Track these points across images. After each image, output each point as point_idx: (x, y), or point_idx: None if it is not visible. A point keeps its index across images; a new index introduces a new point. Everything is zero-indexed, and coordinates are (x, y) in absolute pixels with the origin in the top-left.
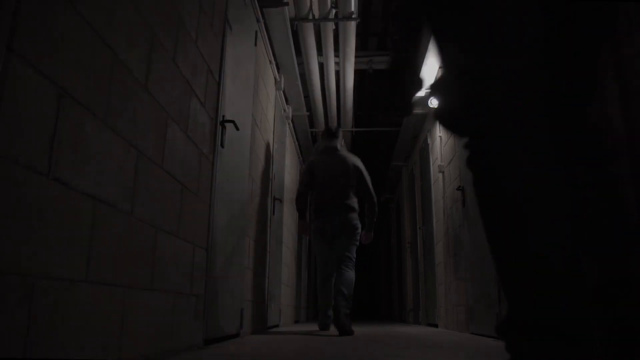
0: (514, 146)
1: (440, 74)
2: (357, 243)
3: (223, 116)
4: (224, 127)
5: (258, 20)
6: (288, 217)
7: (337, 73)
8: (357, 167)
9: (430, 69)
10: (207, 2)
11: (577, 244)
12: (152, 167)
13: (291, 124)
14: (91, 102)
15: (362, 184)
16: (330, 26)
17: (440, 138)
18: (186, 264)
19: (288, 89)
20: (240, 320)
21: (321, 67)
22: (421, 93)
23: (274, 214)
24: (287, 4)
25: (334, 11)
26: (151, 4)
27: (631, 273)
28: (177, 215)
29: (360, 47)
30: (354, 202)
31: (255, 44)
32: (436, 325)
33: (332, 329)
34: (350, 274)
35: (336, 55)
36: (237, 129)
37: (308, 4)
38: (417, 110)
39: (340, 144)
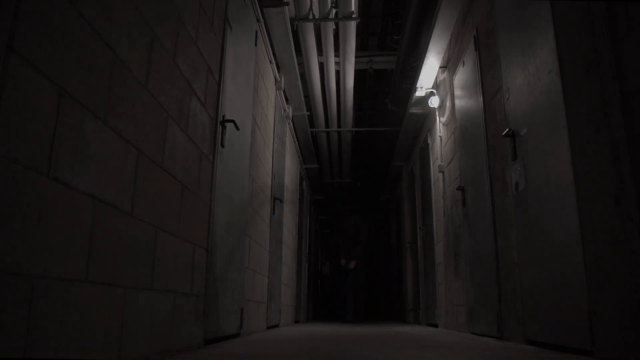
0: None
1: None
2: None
3: (223, 116)
4: (224, 127)
5: (258, 20)
6: (288, 217)
7: (337, 73)
8: None
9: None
10: (207, 2)
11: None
12: (152, 167)
13: (291, 124)
14: (91, 102)
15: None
16: (331, 26)
17: (440, 138)
18: (186, 264)
19: (288, 88)
20: (240, 320)
21: (321, 67)
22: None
23: (274, 213)
24: (287, 3)
25: (334, 11)
26: (151, 3)
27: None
28: (177, 215)
29: (360, 47)
30: None
31: (256, 44)
32: (436, 325)
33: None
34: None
35: (336, 55)
36: (237, 128)
37: (308, 4)
38: (417, 110)
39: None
